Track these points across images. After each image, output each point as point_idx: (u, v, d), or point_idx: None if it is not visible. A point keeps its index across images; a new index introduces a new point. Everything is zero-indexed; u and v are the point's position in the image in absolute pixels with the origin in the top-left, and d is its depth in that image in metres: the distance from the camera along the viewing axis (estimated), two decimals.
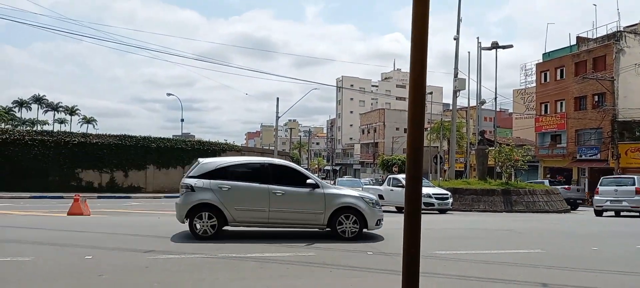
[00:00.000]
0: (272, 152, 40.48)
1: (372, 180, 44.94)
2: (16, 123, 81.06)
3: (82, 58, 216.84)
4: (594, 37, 40.66)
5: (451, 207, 20.21)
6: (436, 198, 19.36)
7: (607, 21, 67.72)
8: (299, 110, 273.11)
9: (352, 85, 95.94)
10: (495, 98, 34.38)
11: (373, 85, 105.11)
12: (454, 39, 28.34)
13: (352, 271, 6.59)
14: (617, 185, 20.20)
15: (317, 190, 9.41)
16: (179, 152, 31.45)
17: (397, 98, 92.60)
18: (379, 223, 9.71)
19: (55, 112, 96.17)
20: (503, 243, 10.00)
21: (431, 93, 48.37)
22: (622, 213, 20.38)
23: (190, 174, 9.47)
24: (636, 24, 39.55)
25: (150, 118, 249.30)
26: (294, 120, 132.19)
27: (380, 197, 17.85)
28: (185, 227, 9.35)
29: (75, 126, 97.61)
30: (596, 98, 37.86)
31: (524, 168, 27.92)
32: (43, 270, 6.08)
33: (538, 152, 42.91)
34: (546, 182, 32.00)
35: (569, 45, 43.23)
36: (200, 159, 9.94)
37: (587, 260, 8.10)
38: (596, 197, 20.83)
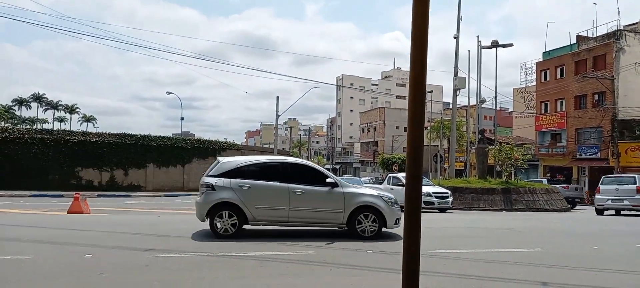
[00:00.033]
0: (272, 150, 40.48)
1: (371, 179, 44.94)
2: (16, 121, 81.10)
3: (82, 56, 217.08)
4: (594, 35, 40.66)
5: (451, 206, 20.21)
6: (436, 197, 19.37)
7: (607, 20, 67.91)
8: (298, 109, 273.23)
9: (352, 84, 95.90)
10: (496, 97, 34.35)
11: (373, 84, 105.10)
12: (454, 38, 28.30)
13: (352, 270, 6.59)
14: (618, 184, 20.23)
15: (336, 189, 9.43)
16: (178, 150, 31.45)
17: (397, 96, 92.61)
18: (397, 222, 9.72)
19: (55, 111, 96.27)
20: (503, 242, 10.00)
21: (431, 92, 48.36)
22: (622, 212, 20.39)
23: (210, 173, 9.50)
24: (636, 23, 39.54)
25: (150, 116, 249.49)
26: (294, 119, 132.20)
27: None
28: (185, 225, 9.36)
29: (75, 124, 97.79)
30: (596, 97, 37.85)
31: (524, 167, 27.92)
32: (43, 269, 6.08)
33: (538, 150, 42.92)
34: (544, 180, 32.02)
35: (569, 44, 43.23)
36: (219, 158, 9.99)
37: (587, 259, 8.10)
38: (597, 196, 20.85)
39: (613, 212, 20.69)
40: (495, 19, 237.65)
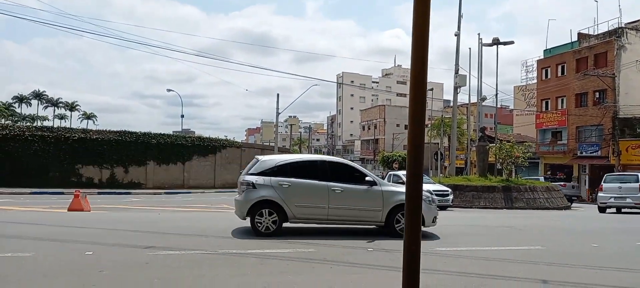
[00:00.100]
0: (272, 148, 40.45)
1: None
2: (16, 119, 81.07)
3: (83, 54, 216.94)
4: (595, 33, 40.61)
5: (451, 204, 20.21)
6: (436, 195, 19.35)
7: (608, 17, 67.66)
8: (299, 107, 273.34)
9: (352, 82, 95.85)
10: (496, 94, 34.33)
11: (373, 82, 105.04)
12: (455, 35, 28.25)
13: (352, 267, 6.59)
14: (621, 182, 20.33)
15: (374, 187, 9.48)
16: (179, 148, 31.43)
17: (397, 94, 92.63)
18: (434, 220, 9.79)
19: (56, 108, 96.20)
20: (503, 240, 10.00)
21: (432, 89, 48.35)
22: (623, 210, 20.46)
23: (250, 171, 9.54)
24: (637, 21, 39.46)
25: (150, 114, 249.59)
26: (294, 116, 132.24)
27: None
28: (185, 223, 9.35)
29: (75, 122, 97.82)
30: (597, 95, 37.81)
31: (524, 165, 27.91)
32: (43, 266, 6.08)
33: (539, 148, 42.92)
34: (541, 178, 32.04)
35: (570, 41, 43.18)
36: (258, 157, 10.05)
37: (587, 257, 8.10)
38: (600, 194, 20.94)
39: (614, 209, 20.76)
40: (496, 16, 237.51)
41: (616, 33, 37.01)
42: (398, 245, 8.13)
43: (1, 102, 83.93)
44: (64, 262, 6.40)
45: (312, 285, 5.53)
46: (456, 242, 9.21)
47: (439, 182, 22.45)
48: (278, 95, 42.64)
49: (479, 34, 31.76)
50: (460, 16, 28.35)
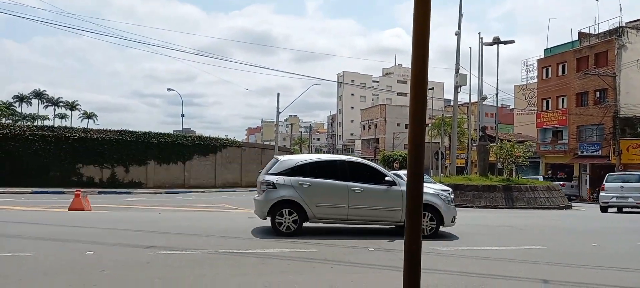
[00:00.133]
0: (273, 147, 40.45)
1: None
2: (17, 118, 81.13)
3: (83, 53, 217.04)
4: (596, 32, 40.56)
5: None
6: None
7: (609, 17, 67.67)
8: (299, 106, 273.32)
9: (353, 81, 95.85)
10: (497, 94, 34.31)
11: (374, 81, 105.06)
12: (456, 35, 28.23)
13: (353, 267, 6.59)
14: (622, 182, 20.40)
15: (394, 187, 9.49)
16: (179, 147, 31.44)
17: (398, 93, 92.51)
18: (453, 220, 9.80)
19: (56, 107, 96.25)
20: (504, 240, 10.00)
21: (432, 88, 48.27)
22: (625, 210, 20.50)
23: (270, 171, 9.56)
24: (638, 20, 39.40)
25: (150, 113, 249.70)
26: (295, 116, 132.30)
27: None
28: (186, 222, 9.34)
29: (75, 121, 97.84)
30: (598, 94, 37.77)
31: (525, 165, 27.88)
32: (44, 266, 6.08)
33: (539, 148, 42.89)
34: (540, 177, 32.03)
35: (570, 40, 43.14)
36: (278, 157, 10.08)
37: (588, 257, 8.10)
38: (602, 194, 20.98)
39: (615, 209, 20.79)
40: (496, 15, 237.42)
41: (617, 32, 36.97)
42: (398, 245, 8.15)
43: (2, 101, 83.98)
44: (65, 261, 6.40)
45: (313, 284, 5.53)
46: (457, 242, 9.21)
47: (440, 182, 22.42)
48: (278, 94, 42.64)
49: (479, 33, 31.77)
50: (460, 15, 28.33)
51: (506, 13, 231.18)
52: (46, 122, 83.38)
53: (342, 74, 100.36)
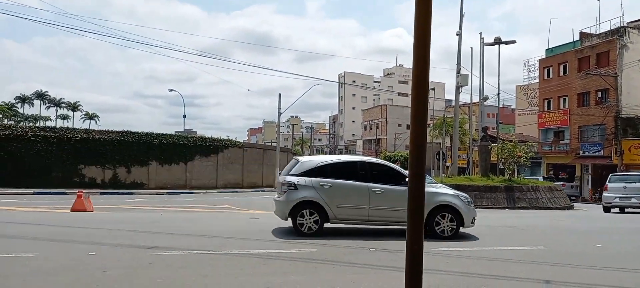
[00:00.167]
0: (274, 148, 40.48)
1: None
2: (19, 119, 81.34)
3: (84, 53, 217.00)
4: (598, 32, 40.54)
5: None
6: None
7: (610, 16, 67.81)
8: (301, 106, 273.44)
9: (354, 81, 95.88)
10: (498, 94, 34.32)
11: (375, 81, 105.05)
12: (457, 35, 28.21)
13: (354, 267, 6.60)
14: (625, 182, 20.45)
15: None
16: (181, 148, 31.46)
17: (399, 94, 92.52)
18: (473, 221, 9.82)
19: (58, 108, 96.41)
20: (506, 240, 9.99)
21: (434, 89, 48.35)
22: (627, 210, 20.50)
23: (291, 172, 9.63)
24: (639, 20, 39.38)
25: (152, 114, 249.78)
26: (296, 116, 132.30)
27: None
28: (187, 223, 9.35)
29: (77, 122, 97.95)
30: (599, 94, 37.74)
31: (526, 165, 27.84)
32: (47, 266, 6.10)
33: (541, 148, 42.86)
34: (540, 178, 32.00)
35: (572, 41, 43.12)
36: (299, 158, 10.16)
37: (590, 257, 8.10)
38: (605, 194, 21.02)
39: (617, 209, 20.80)
40: (497, 15, 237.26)
41: (618, 32, 36.93)
42: (399, 245, 8.15)
43: (3, 102, 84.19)
44: (68, 262, 6.42)
45: (315, 285, 5.54)
46: (458, 242, 9.20)
47: (441, 182, 22.40)
48: (280, 95, 42.58)
49: (480, 33, 31.81)
50: (462, 15, 28.30)
51: (507, 13, 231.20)
52: (48, 123, 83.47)
53: (343, 74, 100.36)
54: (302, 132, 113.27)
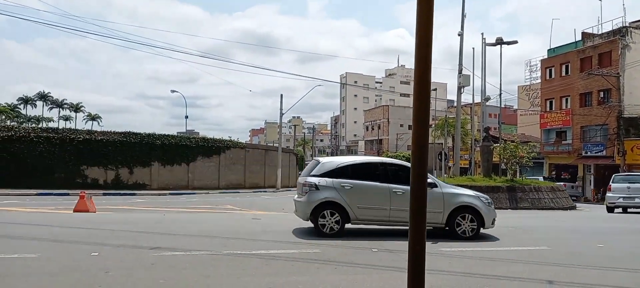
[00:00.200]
0: (276, 149, 40.50)
1: None
2: (21, 120, 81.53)
3: (86, 54, 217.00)
4: (600, 32, 40.49)
5: None
6: None
7: (612, 17, 67.45)
8: (302, 107, 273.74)
9: (356, 82, 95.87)
10: (500, 94, 34.28)
11: (377, 82, 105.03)
12: (458, 35, 28.17)
13: (356, 268, 6.60)
14: (629, 183, 20.49)
15: (435, 189, 9.56)
16: (183, 149, 31.51)
17: (401, 94, 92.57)
18: (493, 222, 9.88)
19: (60, 109, 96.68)
20: (508, 240, 9.97)
21: (435, 89, 48.22)
22: (630, 210, 20.51)
23: (311, 173, 9.68)
24: None
25: (154, 115, 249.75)
26: (298, 117, 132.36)
27: None
28: (190, 224, 9.35)
29: (80, 123, 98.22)
30: (602, 94, 37.68)
31: (529, 165, 27.79)
32: (50, 267, 6.12)
33: (543, 148, 42.80)
34: (540, 178, 31.94)
35: (574, 41, 43.06)
36: (320, 158, 10.23)
37: (593, 257, 8.08)
38: (609, 194, 21.04)
39: (620, 209, 20.81)
40: (499, 15, 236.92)
41: (620, 32, 36.88)
42: (401, 245, 8.15)
43: (6, 103, 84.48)
44: (70, 262, 6.43)
45: (317, 285, 5.54)
46: (460, 242, 9.20)
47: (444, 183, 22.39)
48: (281, 96, 42.67)
49: (482, 34, 31.74)
50: (463, 16, 28.26)
51: (509, 13, 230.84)
52: (51, 124, 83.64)
53: (345, 75, 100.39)
54: (304, 133, 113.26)
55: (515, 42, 31.20)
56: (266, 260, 6.92)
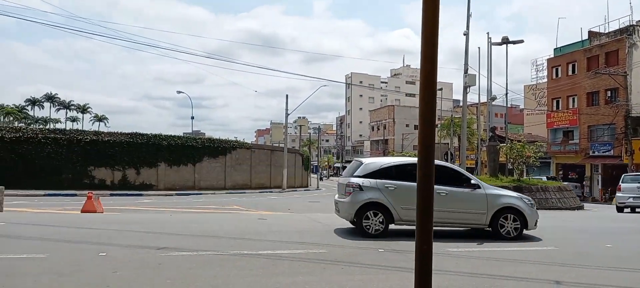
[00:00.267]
0: (282, 149, 40.53)
1: None
2: (29, 121, 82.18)
3: (92, 55, 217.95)
4: (606, 31, 40.23)
5: None
6: None
7: (619, 15, 67.10)
8: (308, 107, 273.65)
9: (361, 82, 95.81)
10: (506, 94, 34.11)
11: (382, 82, 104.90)
12: (464, 35, 28.03)
13: (363, 268, 6.60)
14: (639, 183, 20.39)
15: (478, 190, 9.63)
16: (189, 149, 31.64)
17: (406, 94, 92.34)
18: (536, 223, 9.91)
19: (67, 110, 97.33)
20: (515, 240, 9.93)
21: (441, 89, 48.11)
22: (638, 210, 20.40)
23: (355, 174, 9.73)
24: None
25: (160, 115, 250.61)
26: (304, 118, 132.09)
27: None
28: (196, 225, 9.38)
29: (87, 124, 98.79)
30: (609, 93, 37.43)
31: (535, 165, 27.66)
32: (58, 267, 6.16)
33: (550, 148, 42.56)
34: (544, 178, 31.75)
35: (580, 40, 42.81)
36: (362, 159, 10.30)
37: (600, 258, 8.04)
38: (618, 194, 21.02)
39: (629, 209, 20.74)
40: (505, 15, 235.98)
41: (627, 31, 36.63)
42: (408, 246, 8.14)
43: (14, 105, 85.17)
44: (78, 262, 6.48)
45: (323, 285, 5.55)
46: (467, 242, 9.18)
47: None
48: (287, 96, 42.68)
49: (488, 33, 31.57)
50: (469, 15, 28.10)
51: (515, 13, 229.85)
52: (58, 125, 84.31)
53: (350, 75, 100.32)
54: (310, 133, 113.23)
55: (521, 41, 31.00)
56: (272, 260, 6.93)
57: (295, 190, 39.17)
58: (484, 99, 35.10)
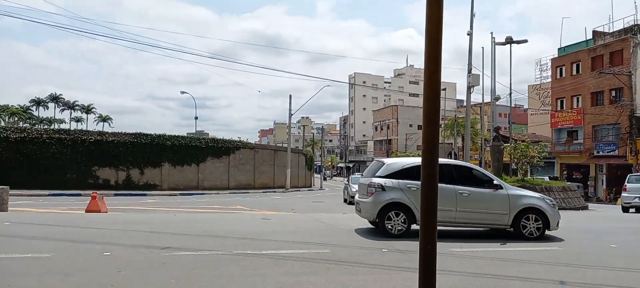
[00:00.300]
0: (285, 149, 40.55)
1: None
2: (34, 122, 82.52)
3: (97, 55, 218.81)
4: (611, 31, 40.03)
5: None
6: None
7: (623, 15, 66.71)
8: (311, 107, 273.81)
9: (364, 82, 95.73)
10: (510, 93, 33.99)
11: (386, 82, 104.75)
12: (468, 34, 27.96)
13: (367, 268, 6.60)
14: None
15: (500, 191, 9.64)
16: (193, 149, 31.71)
17: (410, 94, 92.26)
18: (558, 224, 9.93)
19: (72, 111, 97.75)
20: (520, 240, 9.90)
21: (445, 89, 47.94)
22: None
23: (376, 174, 9.75)
24: None
25: (164, 115, 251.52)
26: (307, 118, 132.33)
27: None
28: (200, 224, 9.39)
29: (91, 124, 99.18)
30: (613, 93, 37.26)
31: (540, 165, 27.57)
32: (63, 267, 6.19)
33: (554, 148, 42.39)
34: (546, 178, 31.62)
35: (585, 39, 42.61)
36: (383, 160, 10.35)
37: (605, 258, 8.01)
38: (624, 194, 20.95)
39: (634, 210, 20.65)
40: (509, 14, 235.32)
41: (632, 30, 36.46)
42: (412, 246, 8.13)
43: (19, 105, 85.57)
44: (83, 262, 6.50)
45: (327, 285, 5.55)
46: (471, 242, 9.16)
47: None
48: (290, 96, 42.83)
49: (491, 33, 31.56)
50: (472, 15, 28.00)
51: (519, 12, 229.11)
52: (62, 126, 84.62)
53: (353, 75, 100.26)
54: (313, 133, 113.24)
55: (525, 41, 30.88)
56: (276, 260, 6.94)
57: (299, 190, 39.19)
58: (487, 98, 34.97)
